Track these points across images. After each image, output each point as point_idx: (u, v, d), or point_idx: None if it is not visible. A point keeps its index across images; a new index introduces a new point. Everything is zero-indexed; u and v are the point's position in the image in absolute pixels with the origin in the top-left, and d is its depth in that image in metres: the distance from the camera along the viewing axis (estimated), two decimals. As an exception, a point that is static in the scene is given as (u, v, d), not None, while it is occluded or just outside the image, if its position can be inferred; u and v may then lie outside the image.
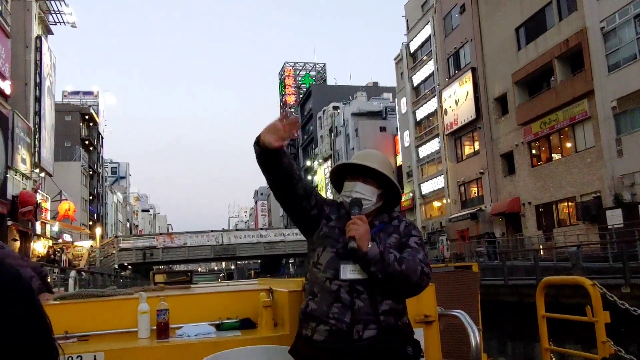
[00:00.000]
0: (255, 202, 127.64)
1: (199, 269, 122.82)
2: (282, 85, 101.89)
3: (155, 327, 2.75)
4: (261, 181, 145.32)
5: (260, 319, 2.97)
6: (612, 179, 23.59)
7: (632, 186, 22.61)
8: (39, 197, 28.38)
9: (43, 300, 3.20)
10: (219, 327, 2.92)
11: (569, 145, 27.55)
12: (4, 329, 1.03)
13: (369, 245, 2.01)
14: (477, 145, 35.78)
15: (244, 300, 3.14)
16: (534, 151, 30.36)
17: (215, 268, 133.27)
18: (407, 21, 47.81)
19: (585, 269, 15.24)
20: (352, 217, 2.11)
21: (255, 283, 4.48)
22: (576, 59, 26.14)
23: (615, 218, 22.35)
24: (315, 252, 2.16)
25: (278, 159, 2.03)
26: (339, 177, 2.37)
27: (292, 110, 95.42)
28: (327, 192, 65.81)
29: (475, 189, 36.22)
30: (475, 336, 2.82)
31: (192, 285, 3.98)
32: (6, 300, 1.06)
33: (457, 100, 36.74)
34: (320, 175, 70.07)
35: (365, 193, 2.21)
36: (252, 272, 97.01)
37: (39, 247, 29.50)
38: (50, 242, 32.59)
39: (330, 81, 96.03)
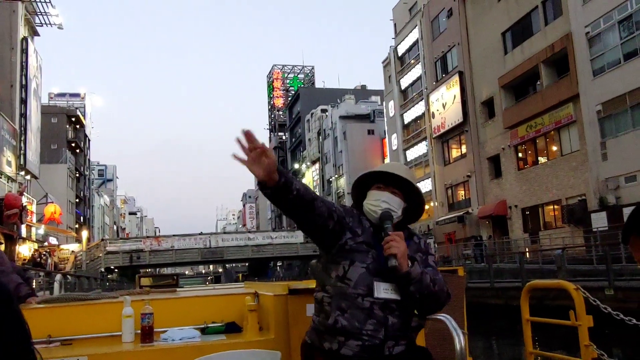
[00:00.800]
0: (244, 205, 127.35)
1: (187, 272, 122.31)
2: (271, 87, 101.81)
3: (139, 331, 2.73)
4: (249, 184, 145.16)
5: (246, 323, 2.94)
6: (597, 182, 23.83)
7: (617, 189, 22.87)
8: (24, 200, 28.13)
9: (28, 304, 3.19)
10: (204, 331, 2.91)
11: (554, 148, 27.81)
12: None
13: (410, 265, 1.99)
14: (464, 149, 35.99)
15: (230, 304, 3.12)
16: (520, 154, 30.61)
17: (203, 271, 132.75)
18: (395, 25, 48.03)
19: (570, 271, 15.40)
20: (386, 232, 2.04)
21: (241, 286, 4.47)
22: (562, 63, 26.41)
23: (600, 221, 22.57)
24: (339, 266, 2.05)
25: (289, 188, 1.88)
26: (361, 185, 2.28)
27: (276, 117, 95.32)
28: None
29: (463, 192, 36.42)
30: (460, 340, 2.80)
31: (178, 289, 3.97)
32: None
33: (445, 103, 36.94)
34: (308, 178, 70.10)
35: (392, 205, 2.15)
36: (240, 275, 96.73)
37: (25, 250, 29.22)
38: (35, 246, 32.30)
39: (318, 84, 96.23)
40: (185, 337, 2.74)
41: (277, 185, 1.85)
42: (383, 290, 2.01)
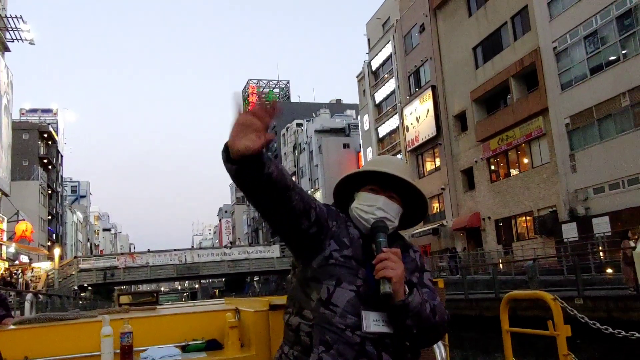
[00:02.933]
0: (220, 220, 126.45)
1: (162, 289, 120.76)
2: (246, 102, 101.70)
3: (119, 351, 2.68)
4: (225, 199, 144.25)
5: (227, 340, 2.91)
6: (567, 194, 24.34)
7: (586, 200, 23.37)
8: (-6, 218, 27.63)
9: (3, 325, 3.16)
10: (185, 349, 2.88)
11: (525, 161, 28.34)
12: None
13: (407, 292, 1.58)
14: (438, 162, 36.43)
15: (210, 321, 3.09)
16: (492, 167, 31.10)
17: (179, 287, 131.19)
18: (368, 40, 48.58)
19: (541, 282, 15.67)
20: (379, 247, 1.62)
21: (222, 303, 4.43)
22: (531, 77, 27.02)
23: (570, 232, 23.02)
24: (322, 286, 1.60)
25: (262, 168, 1.42)
26: (348, 183, 1.82)
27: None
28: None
29: (437, 205, 36.79)
30: (441, 352, 2.76)
31: (158, 307, 3.90)
32: None
33: (418, 117, 37.41)
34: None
35: (389, 212, 1.72)
36: (217, 291, 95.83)
37: (-5, 269, 28.64)
38: (6, 264, 31.69)
39: (294, 98, 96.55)
40: (165, 356, 2.70)
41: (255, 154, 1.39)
42: (373, 323, 1.59)
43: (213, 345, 2.93)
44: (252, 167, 1.41)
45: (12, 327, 3.06)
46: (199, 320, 3.13)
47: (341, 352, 1.54)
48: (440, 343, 2.80)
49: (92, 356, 2.77)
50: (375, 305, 1.58)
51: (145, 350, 2.77)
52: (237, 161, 1.40)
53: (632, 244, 12.12)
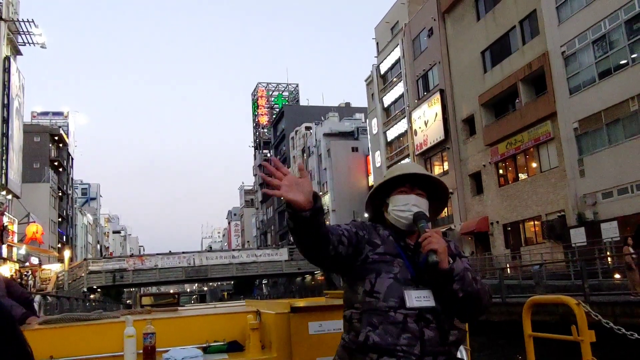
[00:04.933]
0: (229, 223, 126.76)
1: (171, 291, 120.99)
2: (255, 105, 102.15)
3: (141, 351, 2.71)
4: (234, 202, 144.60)
5: (248, 342, 2.94)
6: (575, 198, 24.25)
7: (594, 205, 23.28)
8: (5, 220, 27.95)
9: (28, 324, 3.21)
10: (206, 350, 2.91)
11: (534, 165, 28.26)
12: None
13: (451, 261, 1.87)
14: (446, 165, 36.40)
15: (231, 323, 3.10)
16: (500, 171, 31.03)
17: (188, 290, 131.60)
18: (377, 43, 48.64)
19: (547, 286, 15.62)
20: (422, 230, 1.91)
21: (243, 305, 4.41)
22: (539, 81, 26.97)
23: (578, 236, 22.94)
24: (365, 280, 1.89)
25: (319, 219, 1.76)
26: (377, 195, 2.13)
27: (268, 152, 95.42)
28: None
29: (445, 209, 36.66)
30: (463, 355, 2.76)
31: (180, 308, 3.94)
32: None
33: (427, 121, 37.41)
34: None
35: (421, 207, 2.01)
36: (225, 293, 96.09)
37: (5, 270, 28.92)
38: (17, 266, 31.97)
39: (302, 102, 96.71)
40: (187, 357, 2.72)
41: (314, 207, 1.73)
42: (415, 299, 1.85)
43: (234, 346, 2.96)
44: (318, 212, 1.74)
45: (37, 326, 3.09)
46: (220, 322, 3.16)
47: (386, 329, 1.81)
48: (462, 347, 2.82)
49: (116, 356, 2.81)
50: (416, 283, 1.87)
51: (168, 351, 2.79)
52: (309, 210, 1.72)
53: (631, 249, 12.09)
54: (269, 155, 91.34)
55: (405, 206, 1.99)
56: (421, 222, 1.94)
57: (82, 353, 2.84)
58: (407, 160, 41.67)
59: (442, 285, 1.86)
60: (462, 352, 2.69)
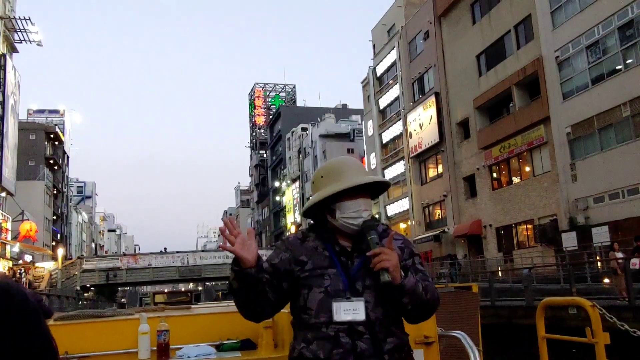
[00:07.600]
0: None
1: (165, 290, 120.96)
2: (252, 105, 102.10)
3: (155, 348, 2.75)
4: (230, 202, 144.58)
5: (261, 340, 2.97)
6: (567, 203, 24.37)
7: (586, 210, 23.40)
8: (-1, 218, 27.91)
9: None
10: (219, 348, 2.93)
11: (527, 169, 28.39)
12: (14, 345, 1.10)
13: (403, 275, 1.82)
14: (440, 168, 36.49)
15: (244, 321, 3.09)
16: (494, 175, 31.15)
17: (183, 289, 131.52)
18: (373, 46, 48.75)
19: (536, 290, 15.71)
20: (372, 244, 1.85)
21: None
22: (533, 86, 27.09)
23: (570, 240, 23.05)
24: (300, 296, 1.91)
25: (261, 277, 1.86)
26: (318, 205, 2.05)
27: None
28: (295, 213, 65.95)
29: (439, 211, 36.84)
30: (475, 357, 2.74)
31: (193, 306, 3.98)
32: (16, 318, 1.11)
33: (422, 123, 37.51)
34: (289, 196, 70.22)
35: (369, 208, 1.97)
36: (220, 293, 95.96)
37: (-2, 268, 28.91)
38: (10, 263, 31.96)
39: (299, 102, 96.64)
40: (200, 354, 2.75)
41: (258, 264, 1.83)
42: (344, 312, 1.82)
43: (247, 345, 2.99)
44: (260, 270, 1.84)
45: (52, 322, 3.11)
46: (234, 320, 3.13)
47: (319, 345, 1.81)
48: (474, 348, 2.84)
49: (130, 353, 2.85)
50: (349, 294, 1.84)
51: (181, 348, 2.82)
52: (253, 267, 1.81)
53: (618, 255, 12.19)
54: (264, 155, 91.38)
55: (355, 212, 1.92)
56: (371, 233, 1.87)
57: (96, 349, 2.87)
58: (401, 162, 41.76)
59: (390, 297, 1.84)
60: (475, 353, 2.68)
